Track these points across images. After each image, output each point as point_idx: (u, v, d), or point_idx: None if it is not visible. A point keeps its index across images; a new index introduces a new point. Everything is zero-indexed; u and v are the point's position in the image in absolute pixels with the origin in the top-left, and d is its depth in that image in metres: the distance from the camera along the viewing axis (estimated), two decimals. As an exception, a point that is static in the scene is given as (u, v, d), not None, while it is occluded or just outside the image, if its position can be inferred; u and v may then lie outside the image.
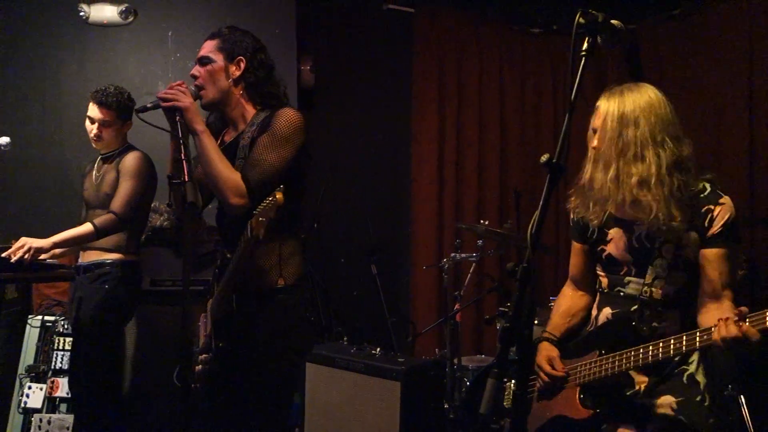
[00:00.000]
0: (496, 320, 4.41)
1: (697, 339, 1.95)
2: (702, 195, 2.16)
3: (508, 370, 2.49)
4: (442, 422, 3.94)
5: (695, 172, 2.18)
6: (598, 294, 2.40)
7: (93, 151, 3.63)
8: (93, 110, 3.48)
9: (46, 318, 4.09)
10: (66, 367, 3.97)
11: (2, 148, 3.46)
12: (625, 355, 2.11)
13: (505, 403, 2.47)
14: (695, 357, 2.20)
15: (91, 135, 3.51)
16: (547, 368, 2.32)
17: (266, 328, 2.41)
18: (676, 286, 2.19)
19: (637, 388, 2.20)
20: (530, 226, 1.67)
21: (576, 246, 2.51)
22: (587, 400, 2.23)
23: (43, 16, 4.60)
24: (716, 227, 2.12)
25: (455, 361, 4.41)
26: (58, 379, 3.96)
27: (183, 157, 2.22)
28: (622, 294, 2.28)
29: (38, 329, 4.06)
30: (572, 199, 2.39)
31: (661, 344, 2.02)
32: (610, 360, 2.15)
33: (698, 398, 2.16)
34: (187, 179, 2.17)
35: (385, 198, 5.79)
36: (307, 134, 2.40)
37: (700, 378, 2.18)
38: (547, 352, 2.37)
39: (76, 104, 4.28)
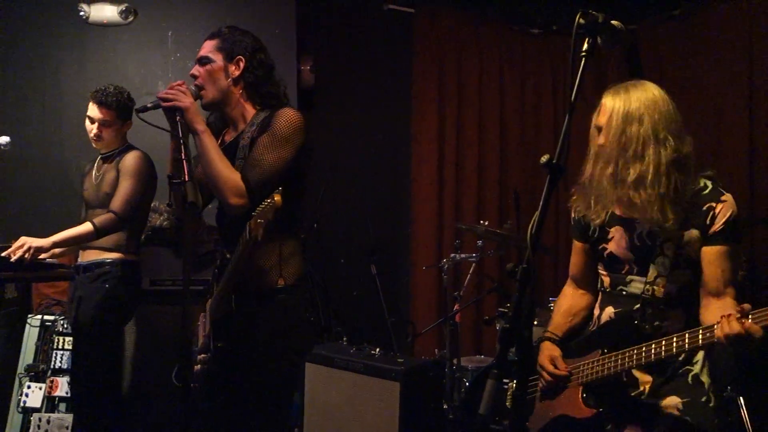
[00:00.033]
0: (495, 321, 4.41)
1: (700, 336, 1.94)
2: (703, 193, 2.15)
3: (509, 370, 2.49)
4: (441, 422, 3.94)
5: (695, 169, 2.18)
6: (600, 293, 2.39)
7: (93, 150, 3.63)
8: (93, 110, 3.48)
9: (46, 317, 4.09)
10: (65, 366, 3.97)
11: (2, 147, 3.47)
12: (627, 354, 2.10)
13: (507, 404, 2.48)
14: (700, 357, 2.20)
15: (91, 135, 3.51)
16: (550, 368, 2.32)
17: (266, 328, 2.41)
18: (679, 284, 2.19)
19: (641, 388, 2.19)
20: (530, 227, 1.67)
21: (577, 245, 2.51)
22: (590, 399, 2.23)
23: (43, 16, 4.60)
24: (718, 225, 2.12)
25: (455, 361, 4.42)
26: (57, 378, 3.96)
27: (183, 157, 2.22)
28: (624, 293, 2.28)
29: (38, 329, 4.06)
30: (574, 198, 2.38)
31: (663, 342, 2.02)
32: (613, 359, 2.15)
33: (703, 399, 2.16)
34: (187, 179, 2.17)
35: (385, 198, 5.79)
36: (307, 134, 2.40)
37: (705, 378, 2.18)
38: (549, 351, 2.36)
39: (76, 104, 4.28)
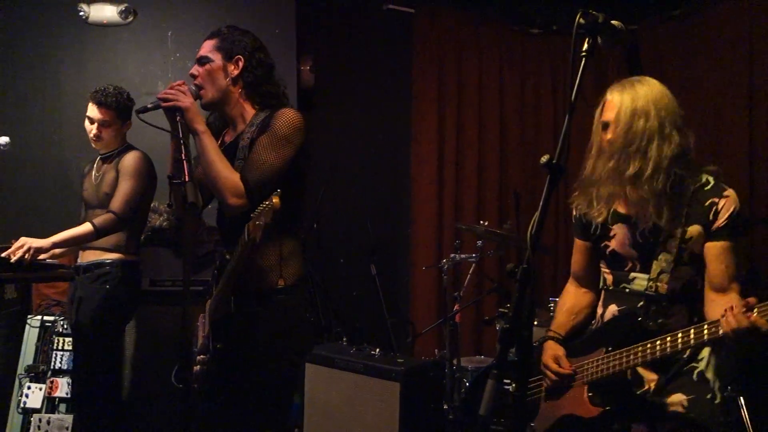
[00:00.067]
0: (495, 321, 4.41)
1: (705, 332, 1.94)
2: (705, 188, 2.16)
3: (510, 371, 2.48)
4: (441, 423, 3.94)
5: (697, 164, 2.18)
6: (603, 292, 2.38)
7: (93, 151, 3.63)
8: (92, 110, 3.48)
9: (46, 318, 4.09)
10: (65, 367, 3.96)
11: (2, 147, 3.46)
12: (632, 351, 2.10)
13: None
14: (705, 354, 2.19)
15: (91, 135, 3.51)
16: (554, 366, 2.31)
17: (266, 328, 2.41)
18: (682, 281, 2.18)
19: (646, 387, 2.19)
20: (530, 227, 1.66)
21: (578, 243, 2.50)
22: (596, 397, 2.22)
23: (42, 16, 4.60)
24: (721, 220, 2.12)
25: (454, 361, 4.41)
26: (57, 379, 3.96)
27: (183, 157, 2.22)
28: (627, 290, 2.27)
29: (38, 329, 4.06)
30: (575, 194, 2.38)
31: (668, 339, 2.01)
32: (617, 357, 2.14)
33: (709, 396, 2.15)
34: (187, 179, 2.17)
35: (384, 198, 5.78)
36: (306, 135, 2.40)
37: (711, 375, 2.17)
38: (553, 350, 2.36)
39: (75, 104, 4.28)
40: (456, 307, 4.63)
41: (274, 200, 2.08)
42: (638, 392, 2.19)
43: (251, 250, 2.24)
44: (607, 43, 1.78)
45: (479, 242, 4.64)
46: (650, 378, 2.19)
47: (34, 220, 4.32)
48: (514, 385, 2.39)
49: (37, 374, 4.00)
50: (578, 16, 1.73)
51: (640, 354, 2.08)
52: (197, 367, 2.53)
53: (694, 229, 2.14)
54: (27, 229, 3.43)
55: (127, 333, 3.85)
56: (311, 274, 4.58)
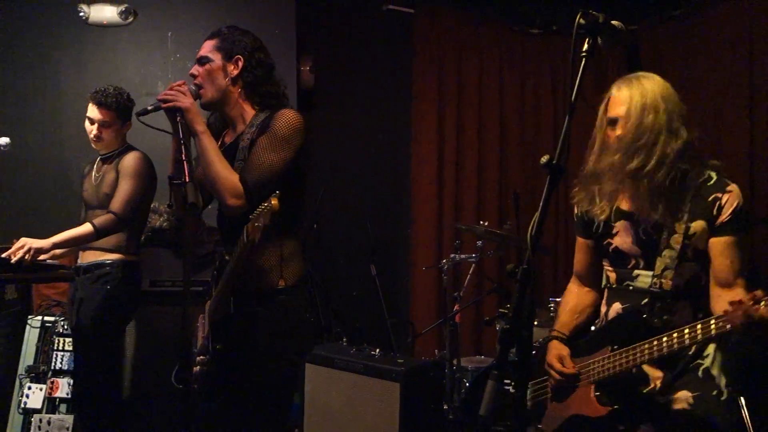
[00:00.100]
0: (495, 321, 4.41)
1: (713, 326, 1.92)
2: (708, 183, 2.15)
3: (510, 371, 2.48)
4: (441, 423, 3.94)
5: (700, 159, 2.18)
6: (606, 290, 2.37)
7: (93, 151, 3.63)
8: (92, 111, 3.48)
9: (46, 318, 4.09)
10: (66, 367, 3.96)
11: (2, 148, 3.47)
12: (639, 349, 2.09)
13: None
14: (710, 350, 2.18)
15: (91, 136, 3.51)
16: (558, 366, 2.30)
17: (266, 328, 2.41)
18: (686, 277, 2.17)
19: (652, 385, 2.17)
20: (530, 228, 1.66)
21: (580, 241, 2.48)
22: (603, 397, 2.20)
23: (42, 16, 4.60)
24: (725, 215, 2.11)
25: (454, 362, 4.41)
26: (57, 379, 3.96)
27: (184, 158, 2.22)
28: (631, 288, 2.26)
29: (38, 329, 4.06)
30: (575, 190, 2.37)
31: (675, 335, 2.00)
32: (624, 355, 2.13)
33: (714, 393, 2.14)
34: (187, 180, 2.17)
35: (384, 198, 5.78)
36: (306, 135, 2.40)
37: (716, 372, 2.16)
38: (557, 350, 2.35)
39: (75, 105, 4.28)
40: (456, 307, 4.63)
41: (272, 202, 2.08)
42: (645, 391, 2.18)
43: (250, 252, 2.24)
44: (607, 44, 1.78)
45: (479, 242, 4.64)
46: (656, 376, 2.17)
47: (34, 220, 4.32)
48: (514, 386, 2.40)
49: (37, 374, 4.00)
50: (578, 17, 1.73)
51: (646, 351, 2.06)
52: (197, 368, 2.53)
53: (697, 225, 2.14)
54: (27, 230, 3.43)
55: (127, 333, 3.85)
56: (311, 274, 4.58)
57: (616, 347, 2.17)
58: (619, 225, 2.28)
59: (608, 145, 2.22)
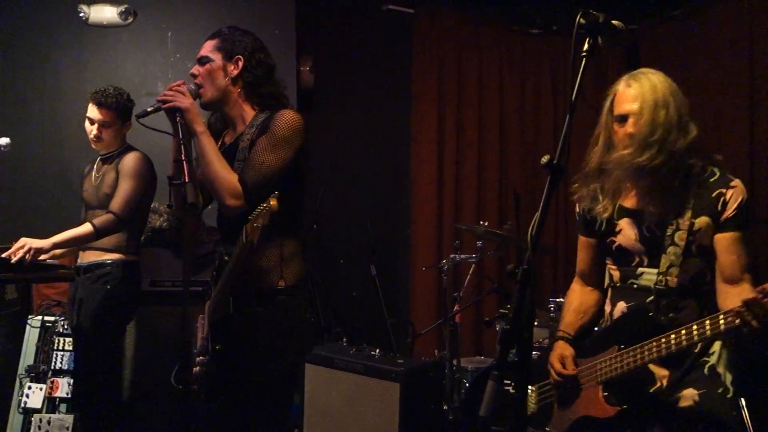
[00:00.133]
0: (495, 322, 4.40)
1: (721, 322, 1.90)
2: (711, 179, 2.14)
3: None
4: (441, 423, 3.93)
5: (703, 155, 2.17)
6: (610, 289, 2.36)
7: (92, 151, 3.62)
8: (92, 111, 3.48)
9: (46, 318, 4.09)
10: (66, 367, 3.96)
11: (2, 148, 3.46)
12: (646, 347, 2.07)
13: (529, 411, 2.43)
14: (716, 348, 2.16)
15: (91, 136, 3.51)
16: (558, 366, 2.29)
17: (266, 328, 2.40)
18: (691, 274, 2.16)
19: (658, 384, 2.16)
20: (530, 228, 1.66)
21: (583, 240, 2.47)
22: (612, 397, 2.18)
23: (42, 16, 4.60)
24: (730, 211, 2.10)
25: (454, 362, 4.41)
26: (57, 379, 3.96)
27: (183, 158, 2.22)
28: (635, 286, 2.25)
29: (38, 329, 4.06)
30: (576, 186, 2.35)
31: (683, 331, 1.98)
32: (631, 353, 2.11)
33: (720, 390, 2.13)
34: (187, 180, 2.17)
35: (384, 198, 5.79)
36: (306, 136, 2.40)
37: (722, 369, 2.15)
38: (560, 350, 2.34)
39: (75, 105, 4.28)
40: (456, 307, 4.63)
41: (271, 202, 2.08)
42: (651, 390, 2.16)
43: (249, 252, 2.24)
44: (607, 43, 1.77)
45: (479, 243, 4.64)
46: (662, 374, 2.16)
47: (34, 220, 4.33)
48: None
49: (37, 374, 4.00)
50: (579, 16, 1.73)
51: (654, 349, 2.04)
52: (196, 369, 2.53)
53: (702, 221, 2.12)
54: (27, 230, 3.43)
55: (127, 333, 3.85)
56: (311, 274, 4.58)
57: (623, 346, 2.15)
58: (623, 223, 2.26)
59: (616, 143, 2.20)
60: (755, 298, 1.85)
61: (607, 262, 2.36)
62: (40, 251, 3.23)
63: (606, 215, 2.28)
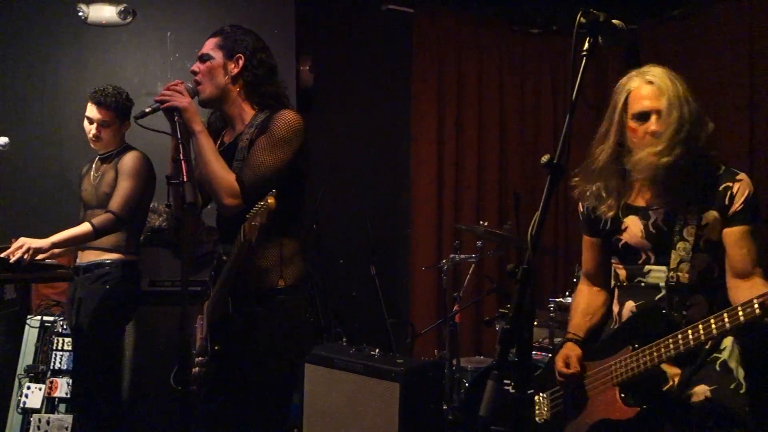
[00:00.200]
0: (495, 322, 4.40)
1: (740, 313, 1.85)
2: (717, 173, 2.13)
3: (541, 381, 2.45)
4: (440, 423, 3.93)
5: (708, 150, 2.16)
6: (617, 289, 2.33)
7: (92, 151, 3.62)
8: (91, 110, 3.47)
9: (45, 318, 4.08)
10: (65, 367, 3.95)
11: (1, 148, 3.46)
12: (662, 345, 2.03)
13: (537, 419, 2.41)
14: (728, 343, 2.14)
15: (90, 135, 3.50)
16: (560, 366, 2.28)
17: (266, 329, 2.40)
18: (700, 269, 2.14)
19: (670, 383, 2.13)
20: (531, 228, 1.65)
21: (587, 240, 2.44)
22: (629, 398, 2.15)
23: (41, 15, 4.59)
24: (737, 204, 2.09)
25: (454, 362, 4.41)
26: (57, 379, 3.95)
27: (182, 157, 2.22)
28: (642, 284, 2.22)
29: (37, 329, 4.05)
30: (576, 180, 2.32)
31: (700, 326, 1.93)
32: (647, 352, 2.07)
33: (733, 385, 2.11)
34: (185, 179, 2.17)
35: (384, 199, 5.78)
36: (306, 136, 2.39)
37: (734, 364, 2.13)
38: (566, 351, 2.32)
39: (74, 104, 4.27)
40: (456, 307, 4.63)
41: (269, 200, 2.07)
42: (665, 389, 2.13)
43: (248, 251, 2.23)
44: (607, 43, 1.77)
45: (479, 242, 4.64)
46: (673, 373, 2.13)
47: (33, 219, 4.32)
48: (541, 395, 2.33)
49: (36, 374, 3.99)
50: (579, 15, 1.73)
51: (672, 346, 2.00)
52: (195, 369, 2.52)
53: (710, 215, 2.11)
54: (26, 229, 3.42)
55: (126, 333, 3.85)
56: (311, 274, 4.57)
57: (637, 346, 2.12)
58: (628, 220, 2.24)
59: (634, 141, 2.16)
60: None
61: (613, 261, 2.34)
62: (38, 251, 3.22)
63: (611, 214, 2.26)
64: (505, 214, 5.77)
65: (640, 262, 2.23)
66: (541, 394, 2.43)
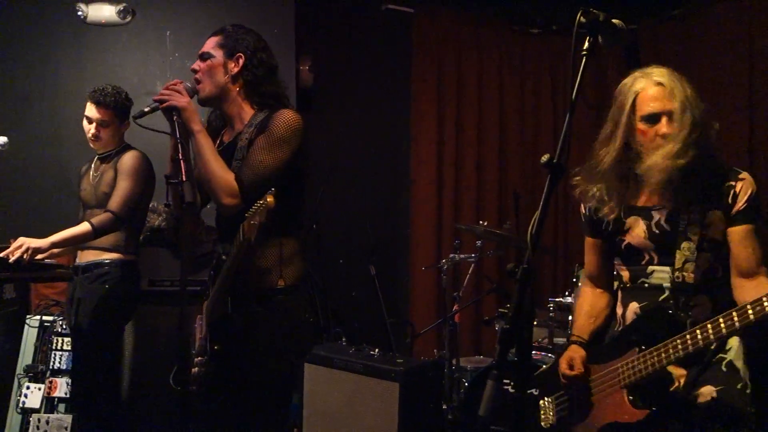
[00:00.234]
0: (495, 321, 4.40)
1: (750, 311, 1.83)
2: (720, 172, 2.12)
3: (545, 385, 2.44)
4: (440, 423, 3.93)
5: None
6: (620, 291, 2.32)
7: (91, 150, 3.61)
8: (91, 110, 3.47)
9: (45, 318, 4.08)
10: (64, 367, 3.95)
11: (0, 148, 3.45)
12: (671, 345, 2.01)
13: (543, 424, 2.39)
14: (733, 343, 2.13)
15: (89, 135, 3.50)
16: (563, 367, 2.27)
17: (266, 328, 2.40)
18: (704, 269, 2.13)
19: (676, 384, 2.12)
20: (530, 227, 1.65)
21: (590, 241, 2.43)
22: (638, 400, 2.13)
23: (41, 15, 4.59)
24: (741, 203, 2.08)
25: (454, 361, 4.41)
26: (56, 379, 3.95)
27: (181, 157, 2.22)
28: (646, 285, 2.21)
29: (36, 329, 4.05)
30: (578, 179, 2.31)
31: (709, 326, 1.91)
32: (655, 354, 2.05)
33: (739, 386, 2.10)
34: (184, 179, 2.17)
35: (384, 199, 5.78)
36: (305, 136, 2.39)
37: (740, 365, 2.12)
38: (570, 353, 2.30)
39: (74, 104, 4.26)
40: (455, 307, 4.63)
41: (268, 199, 2.06)
42: (671, 390, 2.12)
43: (247, 250, 2.23)
44: (607, 42, 1.76)
45: (478, 242, 4.64)
46: (679, 374, 2.12)
47: (32, 219, 4.32)
48: (546, 400, 2.31)
49: (36, 374, 3.99)
50: (579, 15, 1.72)
51: (680, 347, 1.98)
52: (195, 369, 2.52)
53: (713, 215, 2.11)
54: (25, 229, 3.42)
55: (125, 333, 3.84)
56: (310, 274, 4.57)
57: (644, 348, 2.10)
58: (631, 221, 2.23)
59: (644, 144, 2.14)
60: None
61: (616, 263, 2.33)
62: (38, 251, 3.22)
63: (613, 216, 2.25)
64: (504, 213, 5.77)
65: (643, 262, 2.22)
66: (545, 399, 2.42)
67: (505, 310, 4.17)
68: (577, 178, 2.32)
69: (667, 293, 2.16)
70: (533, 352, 3.87)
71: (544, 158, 1.66)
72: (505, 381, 2.72)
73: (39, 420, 3.87)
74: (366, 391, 3.59)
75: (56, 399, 3.94)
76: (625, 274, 2.29)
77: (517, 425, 1.68)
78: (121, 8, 4.59)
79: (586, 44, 1.74)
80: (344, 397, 3.67)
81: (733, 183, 2.10)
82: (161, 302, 3.94)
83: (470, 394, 4.05)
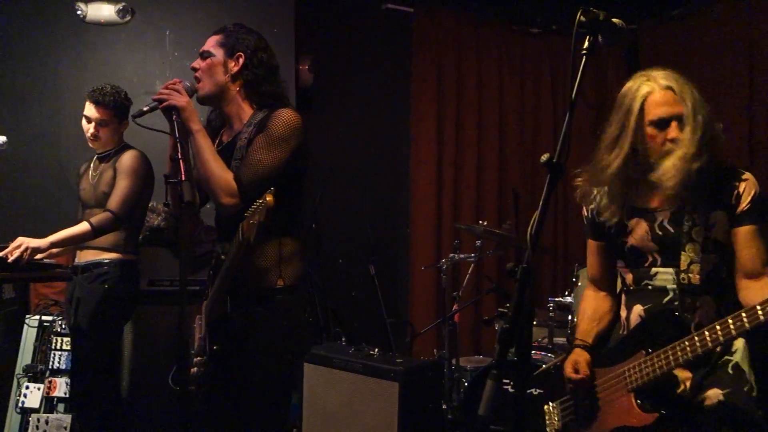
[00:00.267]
0: (494, 321, 4.40)
1: (760, 312, 1.81)
2: (723, 173, 2.11)
3: (550, 390, 2.41)
4: (440, 423, 3.92)
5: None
6: (624, 294, 2.31)
7: (90, 150, 3.61)
8: (90, 109, 3.47)
9: (44, 318, 4.07)
10: (64, 367, 3.95)
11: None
12: (679, 347, 1.99)
13: (548, 429, 2.37)
14: (739, 345, 2.11)
15: (88, 134, 3.50)
16: (569, 371, 2.26)
17: (265, 328, 2.39)
18: (708, 270, 2.11)
19: (682, 387, 2.10)
20: (530, 227, 1.64)
21: (592, 244, 2.42)
22: (646, 404, 2.11)
23: (40, 14, 4.58)
24: (744, 203, 2.07)
25: (453, 361, 4.41)
26: (55, 378, 3.95)
27: (180, 156, 2.22)
28: (650, 287, 2.20)
29: (36, 329, 4.05)
30: (579, 180, 2.30)
31: (718, 327, 1.89)
32: (662, 356, 2.03)
33: (746, 388, 2.09)
34: (184, 178, 2.16)
35: (383, 198, 5.78)
36: (304, 135, 2.39)
37: (746, 367, 2.10)
38: (575, 356, 2.29)
39: (73, 103, 4.26)
40: (455, 306, 4.63)
41: (267, 198, 2.06)
42: (678, 392, 2.10)
43: (246, 250, 2.23)
44: (607, 42, 1.76)
45: (478, 242, 4.63)
46: (684, 377, 2.10)
47: (32, 219, 4.31)
48: (551, 405, 2.29)
49: (35, 374, 3.99)
50: (579, 14, 1.72)
51: (688, 349, 1.96)
52: (194, 369, 2.52)
53: (717, 216, 2.09)
54: (24, 229, 3.41)
55: (124, 333, 3.84)
56: (309, 274, 4.57)
57: (650, 350, 2.08)
58: (634, 223, 2.21)
59: (653, 148, 2.12)
60: None
61: (619, 265, 2.31)
62: (37, 250, 3.22)
63: (616, 219, 2.24)
64: (504, 213, 5.77)
65: (646, 264, 2.21)
66: (550, 404, 2.40)
67: (505, 310, 4.14)
68: (580, 180, 2.31)
69: (671, 295, 2.15)
70: (533, 351, 3.87)
71: (544, 158, 1.65)
72: (505, 381, 2.72)
73: (38, 420, 3.86)
74: (365, 390, 3.59)
75: (55, 399, 3.94)
76: (629, 277, 2.27)
77: (517, 425, 1.67)
78: (121, 7, 4.59)
79: (586, 44, 1.74)
80: (344, 396, 3.67)
81: (736, 183, 2.09)
82: (160, 302, 3.93)
83: (470, 394, 4.05)
